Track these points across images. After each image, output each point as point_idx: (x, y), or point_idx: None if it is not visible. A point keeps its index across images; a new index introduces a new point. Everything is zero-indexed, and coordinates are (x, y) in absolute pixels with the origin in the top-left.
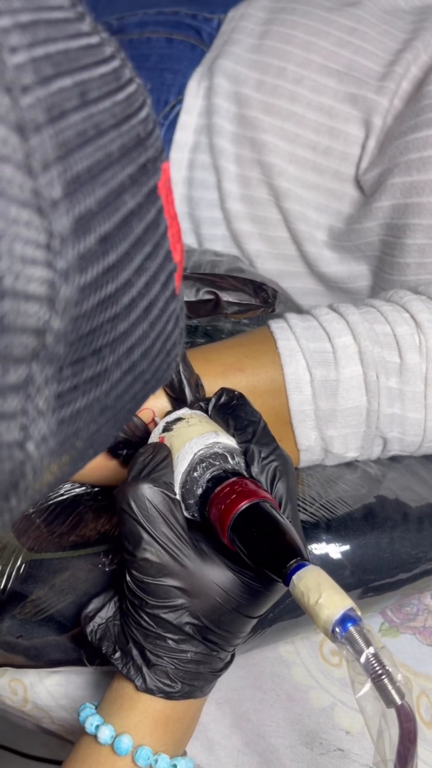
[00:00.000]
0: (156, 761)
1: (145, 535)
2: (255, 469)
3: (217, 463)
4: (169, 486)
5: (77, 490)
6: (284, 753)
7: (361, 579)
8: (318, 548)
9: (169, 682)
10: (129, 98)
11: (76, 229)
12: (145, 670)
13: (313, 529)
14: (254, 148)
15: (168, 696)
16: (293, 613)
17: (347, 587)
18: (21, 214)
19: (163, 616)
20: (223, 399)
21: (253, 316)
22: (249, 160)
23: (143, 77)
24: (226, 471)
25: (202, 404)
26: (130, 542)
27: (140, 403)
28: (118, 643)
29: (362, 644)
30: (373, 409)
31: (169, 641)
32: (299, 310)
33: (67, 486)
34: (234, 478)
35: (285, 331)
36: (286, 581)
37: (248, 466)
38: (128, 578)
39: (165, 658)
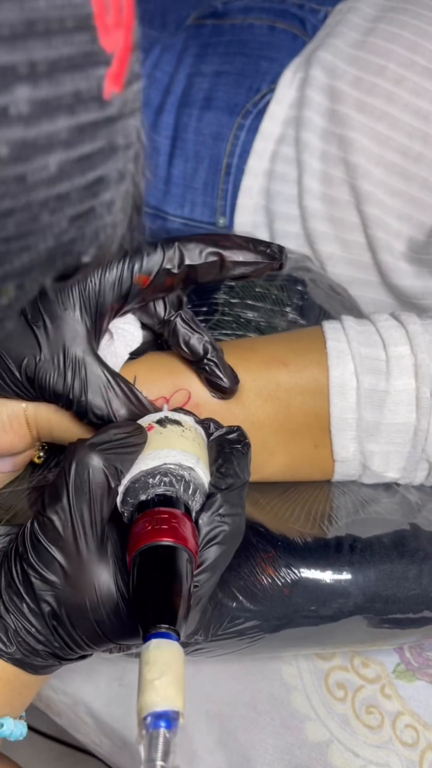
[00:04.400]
0: None
1: (64, 501)
2: (204, 518)
3: (178, 487)
4: (118, 473)
5: None
6: None
7: (379, 608)
8: (337, 568)
9: (5, 639)
10: None
11: None
12: None
13: (336, 548)
14: (341, 146)
15: None
16: (302, 622)
17: (361, 611)
18: None
19: (32, 579)
20: (231, 436)
21: (263, 274)
22: (334, 158)
23: (239, 63)
24: (178, 499)
25: (211, 425)
26: (49, 496)
27: (27, 269)
28: None
29: (159, 753)
30: (421, 428)
31: (24, 605)
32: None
33: None
34: (179, 512)
35: (337, 332)
36: (145, 638)
37: (202, 510)
38: (28, 524)
39: (12, 616)
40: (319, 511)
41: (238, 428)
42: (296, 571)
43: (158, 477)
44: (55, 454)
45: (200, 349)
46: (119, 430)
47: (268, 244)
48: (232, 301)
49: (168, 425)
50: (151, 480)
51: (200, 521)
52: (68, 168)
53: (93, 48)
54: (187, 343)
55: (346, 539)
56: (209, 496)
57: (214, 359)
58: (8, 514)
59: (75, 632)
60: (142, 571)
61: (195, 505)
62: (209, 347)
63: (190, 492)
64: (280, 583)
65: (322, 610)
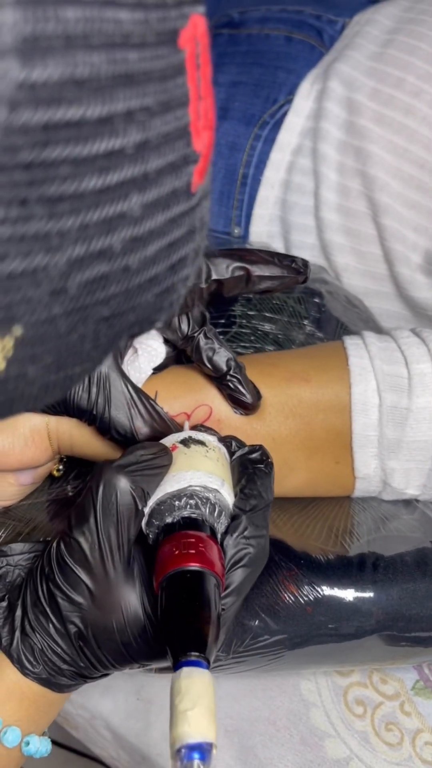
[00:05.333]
0: (5, 732)
1: (91, 522)
2: (230, 541)
3: (203, 509)
4: (145, 495)
5: None
6: None
7: (402, 626)
8: (360, 587)
9: (31, 659)
10: None
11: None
12: (17, 634)
13: (359, 566)
14: (359, 158)
15: (23, 671)
16: (324, 639)
17: (384, 629)
18: None
19: (59, 599)
20: (253, 456)
21: (288, 288)
22: (351, 170)
23: (256, 73)
24: (204, 522)
25: (233, 443)
26: (75, 517)
27: (111, 338)
28: (10, 593)
29: None
30: None
31: (50, 625)
32: (380, 332)
33: None
34: (205, 535)
35: (359, 349)
36: (176, 666)
37: (227, 532)
38: (54, 544)
39: (38, 636)
40: (340, 528)
41: (261, 447)
42: (319, 589)
43: (184, 499)
44: (74, 467)
45: (223, 366)
46: (145, 451)
47: (292, 259)
48: (250, 313)
49: (192, 445)
50: (177, 502)
51: (225, 544)
52: (160, 254)
53: (188, 151)
54: (210, 359)
55: (369, 557)
56: (234, 518)
57: (237, 375)
58: (28, 527)
59: (101, 653)
60: (171, 596)
61: (220, 527)
62: (232, 364)
63: (215, 514)
64: (302, 601)
65: (344, 628)
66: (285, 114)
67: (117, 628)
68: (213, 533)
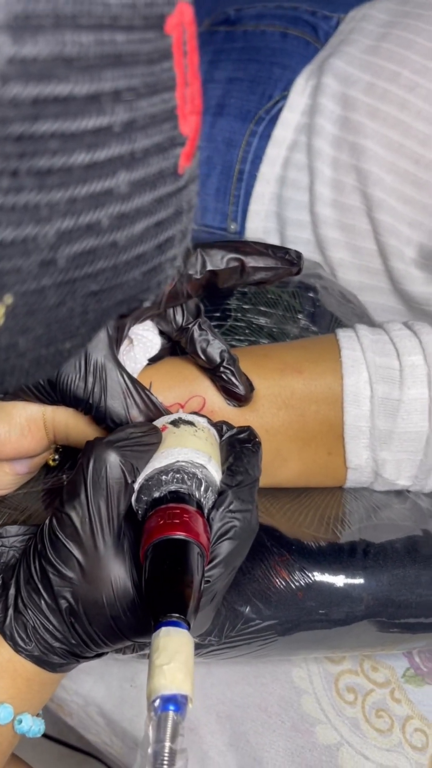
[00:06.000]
0: None
1: (82, 496)
2: (216, 515)
3: (190, 483)
4: (135, 470)
5: None
6: None
7: (392, 612)
8: (351, 572)
9: (24, 636)
10: None
11: None
12: (10, 612)
13: (350, 553)
14: (353, 154)
15: (16, 648)
16: (315, 625)
17: (374, 615)
18: None
19: (50, 575)
20: (241, 435)
21: (281, 280)
22: (346, 165)
23: (252, 69)
24: (190, 495)
25: (224, 427)
26: (67, 493)
27: (100, 314)
28: (5, 573)
29: (168, 735)
30: None
31: (42, 602)
32: (373, 326)
33: None
34: (191, 508)
35: (351, 341)
36: (155, 626)
37: (214, 507)
38: (47, 521)
39: (30, 613)
40: (332, 516)
41: (249, 428)
42: (310, 575)
43: (171, 474)
44: (70, 456)
45: (217, 357)
46: (135, 429)
47: (286, 250)
48: (245, 307)
49: (181, 425)
50: (164, 477)
51: (212, 517)
52: (148, 233)
53: (174, 133)
54: (204, 351)
55: (360, 544)
56: (220, 494)
57: (231, 367)
58: (23, 515)
59: (92, 629)
60: (154, 563)
61: (207, 502)
62: (226, 355)
63: (202, 489)
64: (294, 587)
65: (335, 613)
66: (280, 110)
67: (107, 602)
68: (200, 507)
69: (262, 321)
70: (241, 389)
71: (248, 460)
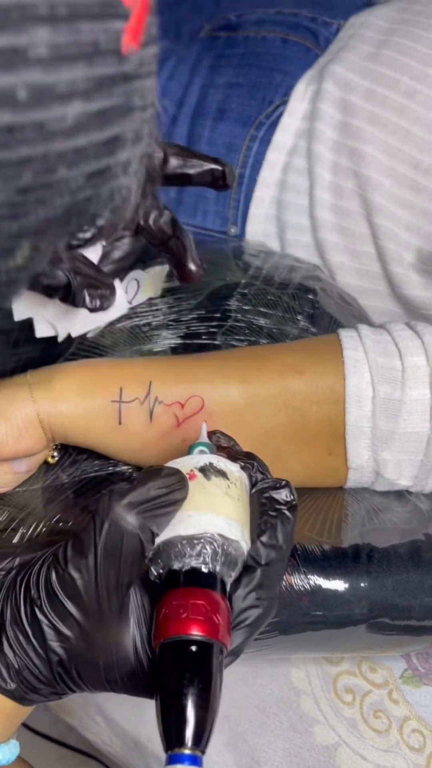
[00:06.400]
0: None
1: (90, 560)
2: (240, 594)
3: (216, 562)
4: (154, 536)
5: (110, 468)
6: None
7: (395, 615)
8: (355, 578)
9: (6, 677)
10: None
11: None
12: None
13: (354, 558)
14: (353, 159)
15: None
16: (319, 627)
17: (377, 618)
18: None
19: (43, 626)
20: (279, 496)
21: (205, 183)
22: (345, 170)
23: (252, 75)
24: (215, 576)
25: (256, 466)
26: (73, 549)
27: (41, 227)
28: None
29: None
30: None
31: (30, 648)
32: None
33: (103, 463)
34: (216, 595)
35: (354, 341)
36: (169, 759)
37: (238, 582)
38: (44, 571)
39: (15, 654)
40: (334, 520)
41: (287, 484)
42: (315, 580)
43: (197, 548)
44: (69, 454)
45: (169, 229)
46: (159, 483)
47: (219, 161)
48: (245, 308)
49: (212, 477)
50: (188, 549)
51: (235, 596)
52: (86, 121)
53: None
54: (155, 222)
55: (363, 548)
56: (248, 568)
57: (182, 238)
58: (23, 513)
59: (81, 683)
60: (171, 666)
61: (231, 579)
62: (178, 225)
63: (228, 566)
64: (299, 591)
65: (338, 616)
66: (281, 115)
67: (104, 666)
68: (223, 586)
69: (262, 322)
70: (192, 264)
71: (283, 530)
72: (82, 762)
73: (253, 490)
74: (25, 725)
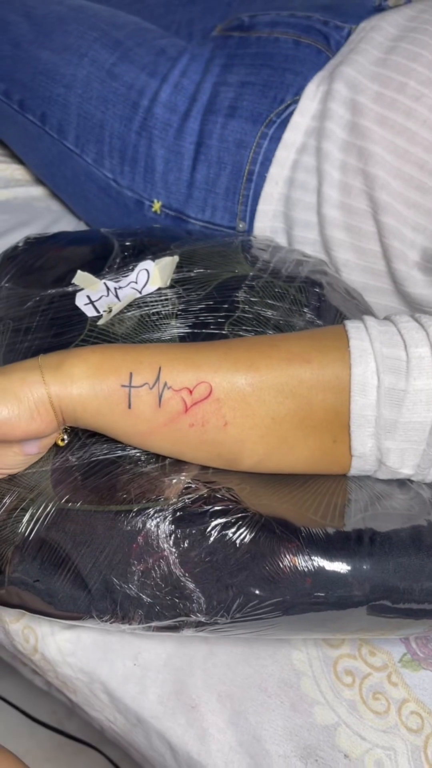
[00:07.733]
0: None
1: None
2: None
3: None
4: None
5: (119, 452)
6: (276, 761)
7: (396, 598)
8: (357, 560)
9: None
10: None
11: None
12: None
13: (357, 540)
14: (361, 158)
15: None
16: (321, 608)
17: (378, 600)
18: None
19: None
20: None
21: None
22: (354, 169)
23: (264, 74)
24: None
25: None
26: None
27: None
28: None
29: None
30: None
31: None
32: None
33: (112, 446)
34: None
35: (360, 331)
36: None
37: None
38: None
39: None
40: (338, 504)
41: None
42: (318, 561)
43: None
44: (78, 437)
45: None
46: None
47: None
48: (252, 299)
49: None
50: None
51: None
52: None
53: None
54: None
55: (366, 532)
56: None
57: None
58: (32, 494)
59: None
60: None
61: None
62: None
63: None
64: (302, 572)
65: (339, 597)
66: (291, 114)
67: None
68: None
69: (269, 313)
70: None
71: None
72: (80, 750)
73: None
74: (23, 713)
